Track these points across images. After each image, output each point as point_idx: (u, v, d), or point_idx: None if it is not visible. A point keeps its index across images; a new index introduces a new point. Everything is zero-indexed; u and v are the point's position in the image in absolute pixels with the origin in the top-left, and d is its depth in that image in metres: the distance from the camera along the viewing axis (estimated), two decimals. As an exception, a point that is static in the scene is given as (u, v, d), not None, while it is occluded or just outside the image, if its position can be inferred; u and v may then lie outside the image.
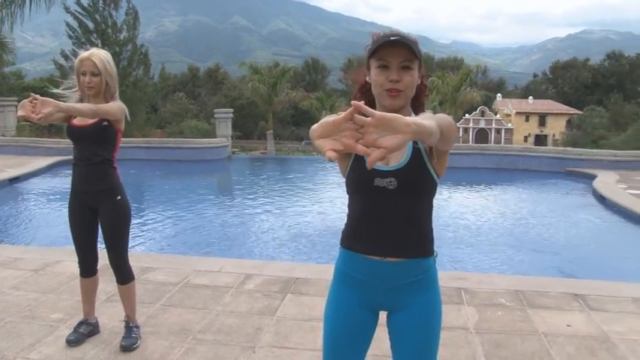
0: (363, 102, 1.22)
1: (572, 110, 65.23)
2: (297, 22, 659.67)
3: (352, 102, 1.21)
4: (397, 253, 1.87)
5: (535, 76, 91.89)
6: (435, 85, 33.37)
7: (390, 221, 1.86)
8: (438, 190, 1.93)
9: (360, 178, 1.87)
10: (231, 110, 21.30)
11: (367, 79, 1.88)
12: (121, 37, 29.09)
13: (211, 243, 7.68)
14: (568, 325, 4.01)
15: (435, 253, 1.95)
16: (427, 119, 1.42)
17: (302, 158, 24.24)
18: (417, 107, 1.93)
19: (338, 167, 1.99)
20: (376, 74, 1.79)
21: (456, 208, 10.33)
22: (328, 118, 1.27)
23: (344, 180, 1.97)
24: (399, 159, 1.82)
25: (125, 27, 29.19)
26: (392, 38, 1.74)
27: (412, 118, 1.27)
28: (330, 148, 1.24)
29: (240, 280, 4.88)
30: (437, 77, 33.66)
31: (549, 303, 4.45)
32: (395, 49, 1.75)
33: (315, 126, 1.31)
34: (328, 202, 11.05)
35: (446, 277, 4.93)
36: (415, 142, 1.77)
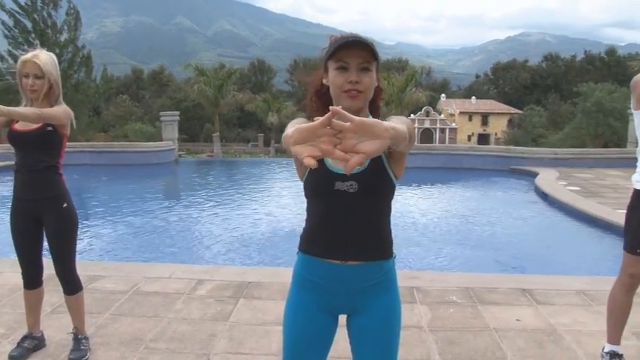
0: (327, 106, 1.20)
1: (513, 110, 67.32)
2: (243, 23, 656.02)
3: (330, 107, 1.18)
4: (358, 257, 1.87)
5: (477, 76, 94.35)
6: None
7: (351, 225, 1.86)
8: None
9: (320, 182, 1.86)
10: (177, 113, 20.94)
11: (324, 81, 1.86)
12: (62, 38, 28.19)
13: (161, 249, 7.52)
14: (517, 320, 4.12)
15: (393, 255, 1.96)
16: (399, 124, 1.42)
17: (249, 161, 24.12)
18: (374, 110, 1.93)
19: (295, 170, 1.98)
20: (335, 76, 1.78)
21: (405, 208, 10.46)
22: (302, 125, 1.24)
23: (301, 183, 1.95)
24: None
25: (66, 27, 28.30)
26: (351, 39, 1.73)
27: (389, 123, 1.26)
28: (307, 154, 1.21)
29: (191, 285, 4.80)
30: (382, 78, 33.88)
31: (499, 299, 4.56)
32: (354, 50, 1.74)
33: (289, 131, 1.27)
34: (277, 205, 11.03)
35: (399, 277, 4.98)
36: None
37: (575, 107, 40.63)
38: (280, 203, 11.13)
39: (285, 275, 4.73)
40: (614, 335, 3.40)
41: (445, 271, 5.82)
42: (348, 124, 1.20)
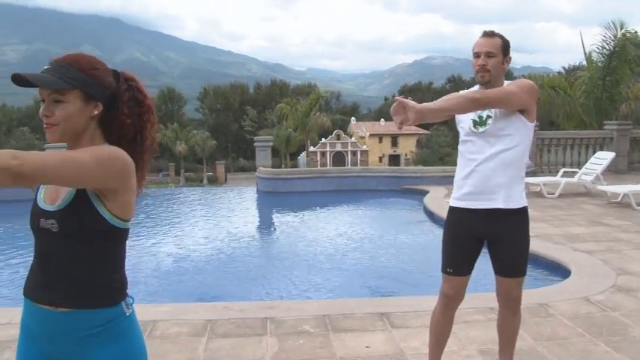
0: None
1: (421, 130, 69.46)
2: (152, 51, 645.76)
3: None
4: (68, 304, 1.71)
5: (386, 99, 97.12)
6: (284, 112, 34.16)
7: (58, 267, 1.72)
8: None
9: (31, 217, 1.76)
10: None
11: None
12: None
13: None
14: (367, 347, 4.06)
15: (125, 301, 1.80)
16: None
17: (153, 191, 23.31)
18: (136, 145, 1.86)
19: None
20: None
21: (294, 234, 10.38)
22: None
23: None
24: (61, 198, 1.70)
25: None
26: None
27: None
28: None
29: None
30: (285, 104, 34.30)
31: (354, 325, 4.49)
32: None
33: None
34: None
35: (252, 308, 4.85)
36: None
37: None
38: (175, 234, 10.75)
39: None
40: (434, 354, 3.41)
41: (303, 300, 5.70)
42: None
